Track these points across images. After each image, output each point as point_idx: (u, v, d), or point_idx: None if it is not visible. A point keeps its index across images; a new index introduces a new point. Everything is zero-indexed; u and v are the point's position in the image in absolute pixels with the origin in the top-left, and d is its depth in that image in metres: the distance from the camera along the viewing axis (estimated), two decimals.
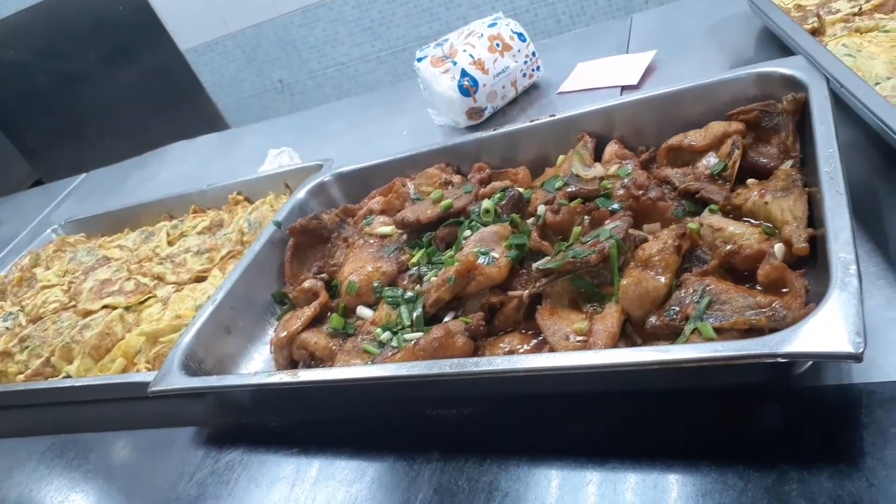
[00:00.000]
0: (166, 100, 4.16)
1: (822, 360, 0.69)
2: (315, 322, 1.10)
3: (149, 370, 1.23)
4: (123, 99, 3.92)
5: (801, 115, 0.94)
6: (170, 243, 1.61)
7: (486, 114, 1.52)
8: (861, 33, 1.15)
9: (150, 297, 1.41)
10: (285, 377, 0.90)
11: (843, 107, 0.92)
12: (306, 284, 1.14)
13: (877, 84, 1.02)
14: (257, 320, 1.19)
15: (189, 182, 2.00)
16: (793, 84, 0.96)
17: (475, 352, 0.91)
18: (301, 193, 1.35)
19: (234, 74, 4.62)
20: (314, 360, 1.05)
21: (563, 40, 1.75)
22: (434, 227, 1.10)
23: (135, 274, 1.48)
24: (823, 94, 0.89)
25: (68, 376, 1.30)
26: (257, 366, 1.13)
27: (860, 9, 1.22)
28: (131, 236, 1.74)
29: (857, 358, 0.59)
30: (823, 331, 0.61)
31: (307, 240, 1.26)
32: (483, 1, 3.80)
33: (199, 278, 1.42)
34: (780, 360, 0.62)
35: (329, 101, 2.88)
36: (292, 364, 1.07)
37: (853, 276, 0.64)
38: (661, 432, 0.76)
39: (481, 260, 0.96)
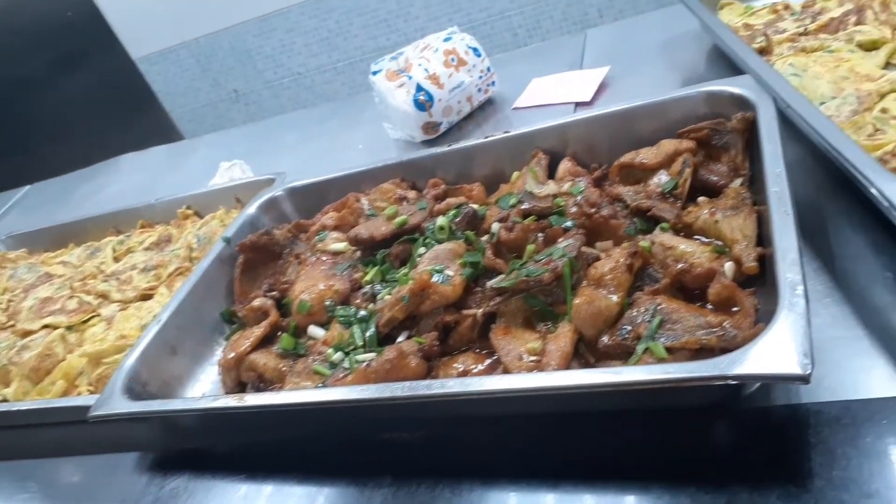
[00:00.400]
0: (117, 109, 4.05)
1: (772, 383, 0.69)
2: (265, 342, 1.07)
3: (91, 393, 1.18)
4: (71, 108, 3.79)
5: (750, 134, 0.95)
6: (116, 259, 1.56)
7: (442, 128, 1.52)
8: (807, 53, 1.18)
9: (93, 316, 1.36)
10: (231, 402, 0.87)
11: (789, 126, 0.93)
12: (256, 303, 1.11)
13: (822, 104, 1.05)
14: (205, 340, 1.16)
15: (138, 195, 1.95)
16: (742, 103, 0.97)
17: (428, 372, 0.90)
18: (252, 208, 1.32)
19: (187, 84, 4.54)
20: (263, 382, 1.02)
21: (519, 55, 1.76)
22: (388, 243, 1.09)
23: (78, 292, 1.43)
24: (771, 113, 0.91)
25: (5, 400, 1.24)
26: (205, 387, 1.09)
27: (805, 29, 1.25)
28: (76, 252, 1.68)
29: (804, 380, 0.59)
30: (772, 353, 0.61)
31: (258, 256, 1.23)
32: (441, 13, 3.81)
33: (146, 296, 1.38)
34: (730, 382, 0.61)
35: (285, 112, 2.85)
36: (240, 386, 1.04)
37: (800, 297, 0.65)
38: (615, 453, 0.75)
39: (436, 278, 0.94)
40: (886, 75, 1.06)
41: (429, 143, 1.52)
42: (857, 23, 1.20)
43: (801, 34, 1.24)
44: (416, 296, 0.93)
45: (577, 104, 1.42)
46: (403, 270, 1.03)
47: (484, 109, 1.58)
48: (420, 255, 1.02)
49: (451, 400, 0.74)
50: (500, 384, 0.72)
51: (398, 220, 1.09)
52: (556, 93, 1.48)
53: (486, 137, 1.20)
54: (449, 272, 0.96)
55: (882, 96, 1.02)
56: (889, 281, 0.79)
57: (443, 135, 1.53)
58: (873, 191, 0.71)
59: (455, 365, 0.90)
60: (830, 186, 0.94)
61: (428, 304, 0.94)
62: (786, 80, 0.95)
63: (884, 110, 0.97)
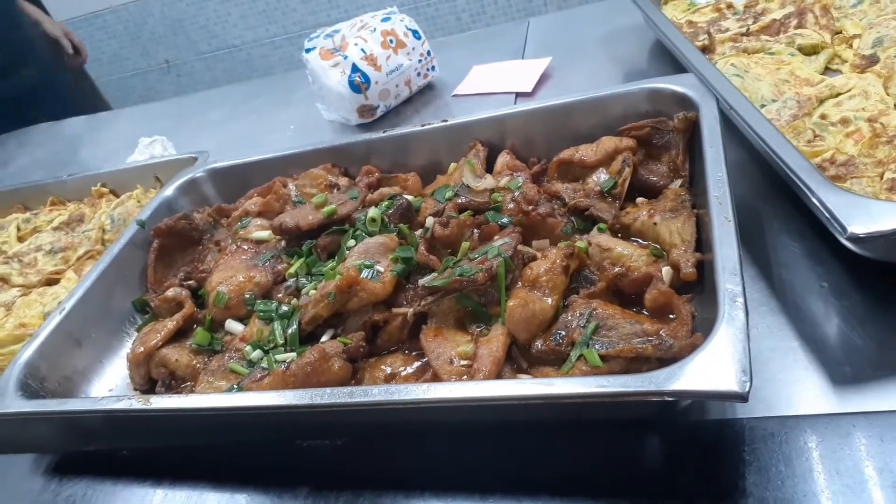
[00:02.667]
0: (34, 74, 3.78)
1: (709, 400, 0.67)
2: (179, 336, 0.99)
3: None
4: None
5: (692, 134, 0.93)
6: (20, 239, 1.44)
7: (379, 112, 1.46)
8: (748, 54, 1.17)
9: None
10: (136, 404, 0.79)
11: (730, 127, 0.91)
12: (170, 293, 1.03)
13: (762, 106, 1.04)
14: (114, 331, 1.07)
15: (50, 169, 1.82)
16: (684, 102, 0.95)
17: (354, 374, 0.84)
18: (169, 190, 1.23)
19: (115, 52, 4.31)
20: (175, 380, 0.94)
21: (460, 40, 1.70)
22: (316, 234, 1.02)
23: None
24: (714, 114, 0.89)
25: None
26: (112, 383, 1.01)
27: (748, 30, 1.24)
28: None
29: (742, 398, 0.57)
30: (709, 369, 0.59)
31: (174, 242, 1.15)
32: None
33: (51, 281, 1.27)
34: (666, 398, 0.59)
35: (219, 86, 2.71)
36: (150, 382, 0.96)
37: (740, 310, 0.62)
38: (544, 466, 0.72)
39: (365, 274, 0.89)
40: (825, 80, 1.06)
41: (364, 127, 1.46)
42: (798, 26, 1.20)
43: (743, 34, 1.23)
44: (342, 292, 0.87)
45: (518, 94, 1.38)
46: (331, 264, 0.97)
47: (423, 94, 1.53)
48: (349, 248, 0.96)
49: (373, 409, 0.69)
50: (425, 394, 0.68)
51: (327, 209, 1.03)
52: (498, 82, 1.44)
53: (424, 125, 1.15)
54: (379, 268, 0.90)
55: (821, 101, 1.02)
56: (824, 291, 0.78)
57: (379, 119, 1.47)
58: (814, 200, 0.70)
59: (383, 367, 0.85)
60: (770, 190, 0.93)
61: (356, 302, 0.88)
62: (729, 81, 0.93)
63: (823, 116, 0.97)
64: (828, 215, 0.67)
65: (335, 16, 3.73)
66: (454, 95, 1.47)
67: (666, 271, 0.80)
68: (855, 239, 0.65)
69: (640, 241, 0.89)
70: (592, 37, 1.52)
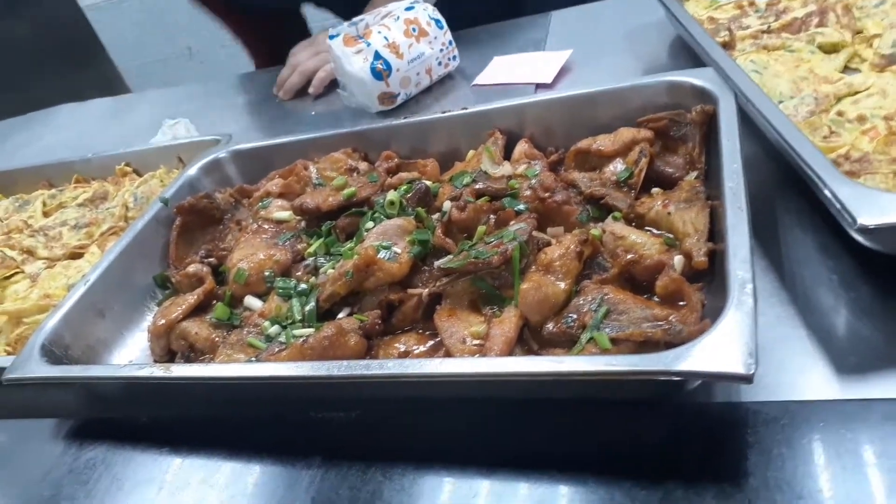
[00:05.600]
0: (60, 57, 3.84)
1: (715, 381, 0.68)
2: (199, 310, 1.02)
3: (8, 354, 1.11)
4: (9, 52, 3.59)
5: (709, 127, 0.94)
6: (45, 214, 1.47)
7: (399, 100, 1.47)
8: (768, 51, 1.18)
9: (16, 273, 1.28)
10: (157, 371, 0.82)
11: (748, 121, 0.92)
12: (191, 269, 1.05)
13: (780, 102, 1.04)
14: (135, 304, 1.10)
15: (75, 149, 1.85)
16: (703, 95, 0.96)
17: (368, 351, 0.86)
18: (193, 170, 1.26)
19: (137, 37, 4.35)
20: (194, 352, 0.97)
21: (482, 32, 1.71)
22: (335, 215, 1.05)
23: (1, 246, 1.34)
24: (731, 108, 0.90)
25: None
26: (132, 354, 1.04)
27: (769, 27, 1.24)
28: (2, 203, 1.58)
29: (748, 379, 0.58)
30: (717, 351, 0.60)
31: (196, 220, 1.18)
32: None
33: (75, 255, 1.30)
34: (673, 378, 0.60)
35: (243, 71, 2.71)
36: (170, 354, 0.99)
37: (749, 296, 0.64)
38: (551, 443, 0.73)
39: (382, 254, 0.91)
40: (844, 79, 1.06)
41: (385, 114, 1.48)
42: (819, 24, 1.20)
43: (763, 31, 1.23)
44: (360, 271, 0.89)
45: (538, 86, 1.39)
46: (349, 244, 0.99)
47: (443, 84, 1.54)
48: (367, 230, 0.98)
49: (387, 382, 0.71)
50: (438, 368, 0.70)
51: (347, 191, 1.05)
52: (518, 72, 1.45)
53: (443, 113, 1.17)
54: (396, 249, 0.93)
55: (839, 99, 1.02)
56: (834, 283, 0.79)
57: (400, 106, 1.48)
58: (826, 192, 0.71)
59: (397, 345, 0.87)
60: (784, 185, 0.93)
61: (372, 281, 0.90)
62: (747, 76, 0.93)
63: (840, 113, 0.97)
64: (839, 206, 0.68)
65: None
66: (474, 85, 1.49)
67: (678, 260, 0.81)
68: (864, 230, 0.66)
69: (654, 230, 0.90)
70: (614, 31, 1.52)
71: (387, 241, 0.93)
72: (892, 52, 1.08)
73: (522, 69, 1.46)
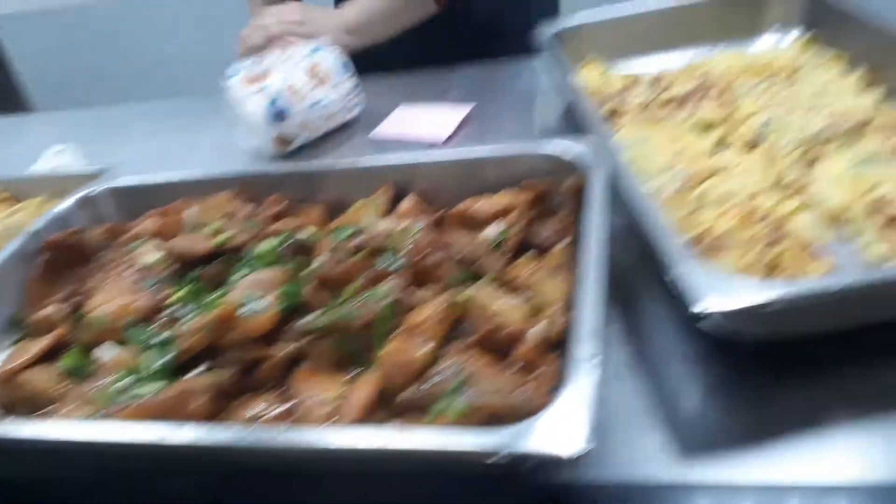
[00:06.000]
0: None
1: (546, 463, 0.68)
2: (51, 356, 0.96)
3: None
4: None
5: (581, 198, 0.96)
6: None
7: (296, 144, 1.46)
8: (651, 124, 1.23)
9: None
10: None
11: (620, 193, 0.95)
12: (45, 311, 0.99)
13: (655, 176, 1.08)
14: None
15: None
16: (577, 166, 0.98)
17: (220, 411, 0.83)
18: (66, 204, 1.20)
19: (45, 54, 4.17)
20: (39, 402, 0.91)
21: (389, 80, 1.73)
22: (205, 262, 1.01)
23: None
24: (603, 180, 0.92)
25: None
26: None
27: (653, 101, 1.30)
28: None
29: (580, 462, 0.58)
30: (551, 430, 0.60)
31: (64, 257, 1.11)
32: None
33: None
34: (501, 460, 0.60)
35: (153, 98, 2.62)
36: (12, 404, 0.92)
37: (592, 372, 0.65)
38: None
39: (246, 308, 0.88)
40: (715, 156, 1.12)
41: (280, 157, 1.45)
42: (700, 101, 1.27)
43: (648, 105, 1.29)
44: (220, 325, 0.86)
45: (436, 140, 1.41)
46: (215, 294, 0.96)
47: (345, 130, 1.54)
48: (236, 280, 0.95)
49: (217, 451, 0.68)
50: (268, 441, 0.68)
51: (221, 237, 1.02)
52: (418, 125, 1.47)
53: (335, 162, 1.16)
54: (262, 303, 0.90)
55: (708, 177, 1.07)
56: (685, 360, 0.82)
57: (296, 151, 1.47)
58: (671, 273, 0.73)
59: (252, 405, 0.83)
60: (648, 260, 0.96)
61: (233, 336, 0.87)
62: (621, 150, 0.97)
63: (705, 191, 1.02)
64: (680, 289, 0.71)
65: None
66: (374, 135, 1.49)
67: (539, 328, 0.82)
68: (699, 316, 0.68)
69: (521, 296, 0.91)
70: (517, 90, 1.56)
71: (254, 294, 0.91)
72: (759, 134, 1.14)
73: (423, 121, 1.47)
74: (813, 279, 0.80)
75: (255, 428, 0.70)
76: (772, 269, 0.87)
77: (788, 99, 1.20)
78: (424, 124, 1.45)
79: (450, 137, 1.40)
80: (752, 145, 1.12)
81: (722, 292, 0.69)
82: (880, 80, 1.20)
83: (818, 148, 1.07)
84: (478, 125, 1.45)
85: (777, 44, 1.44)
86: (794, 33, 1.43)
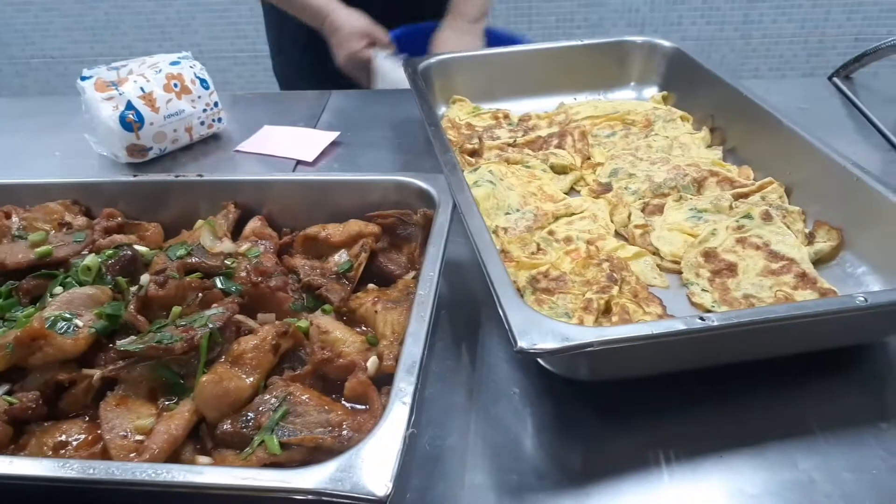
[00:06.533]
0: None
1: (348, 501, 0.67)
2: None
3: None
4: None
5: (429, 231, 0.96)
6: None
7: (151, 154, 1.38)
8: (509, 164, 1.25)
9: None
10: None
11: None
12: None
13: (507, 214, 1.10)
14: None
15: None
16: (428, 200, 0.99)
17: (16, 438, 0.76)
18: None
19: None
20: None
21: (259, 99, 1.68)
22: (23, 275, 0.93)
23: None
24: (446, 216, 0.93)
25: None
26: None
27: (515, 141, 1.33)
28: None
29: (382, 502, 0.57)
30: (356, 468, 0.58)
31: None
32: (223, 34, 3.65)
33: None
34: (308, 496, 0.57)
35: (29, 95, 2.41)
36: None
37: (404, 409, 0.64)
38: None
39: (59, 326, 0.81)
40: (566, 199, 1.15)
41: (135, 166, 1.38)
42: (558, 146, 1.31)
43: (510, 144, 1.32)
44: (24, 345, 0.79)
45: (299, 162, 1.38)
46: (29, 310, 0.88)
47: (206, 144, 1.48)
48: (54, 296, 0.88)
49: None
50: (34, 470, 0.62)
51: (42, 249, 0.94)
52: (284, 145, 1.43)
53: (177, 176, 1.10)
54: (78, 322, 0.83)
55: (557, 218, 1.10)
56: (515, 397, 0.82)
57: (152, 161, 1.39)
58: (500, 310, 0.74)
59: (56, 434, 0.76)
60: (489, 297, 0.97)
61: (40, 357, 0.80)
62: (467, 186, 0.97)
63: (551, 232, 1.05)
64: (507, 327, 0.71)
65: (167, 47, 3.58)
66: (237, 151, 1.44)
67: (372, 361, 0.80)
68: (521, 352, 0.68)
69: (361, 327, 0.89)
70: (385, 120, 1.56)
71: (70, 312, 0.84)
72: (608, 182, 1.19)
73: (289, 142, 1.44)
74: (637, 324, 0.83)
75: (54, 458, 0.64)
76: (606, 311, 0.89)
77: (639, 150, 1.26)
78: (291, 144, 1.42)
79: (316, 159, 1.37)
80: (601, 191, 1.17)
81: (544, 332, 0.70)
82: (724, 137, 1.29)
83: (660, 198, 1.13)
84: (343, 152, 1.43)
85: (637, 98, 1.52)
86: (652, 89, 1.52)
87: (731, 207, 1.08)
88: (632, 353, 0.71)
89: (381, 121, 1.53)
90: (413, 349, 0.70)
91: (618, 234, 1.07)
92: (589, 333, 0.68)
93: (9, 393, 0.79)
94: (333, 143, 1.43)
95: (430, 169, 1.08)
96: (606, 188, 1.17)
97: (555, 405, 0.82)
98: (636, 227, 1.06)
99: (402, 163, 1.36)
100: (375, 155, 1.39)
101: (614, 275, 0.94)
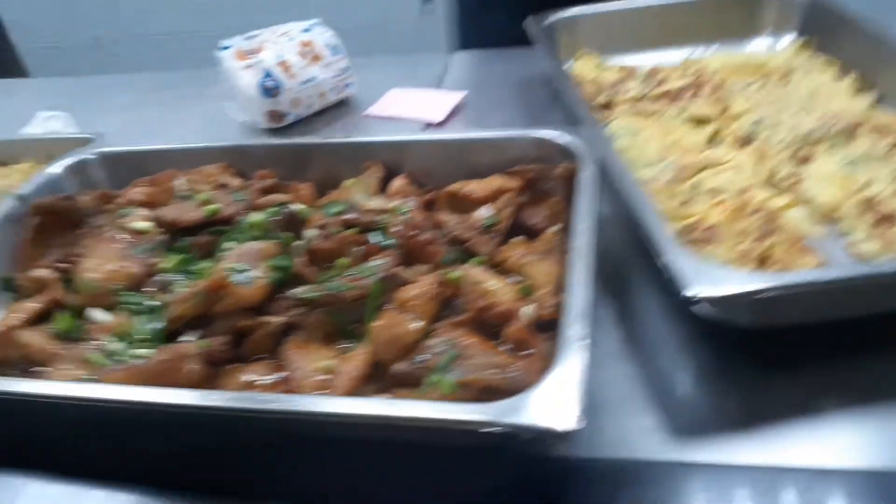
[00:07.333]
0: None
1: (538, 436, 0.70)
2: (43, 319, 0.95)
3: None
4: None
5: (572, 184, 0.97)
6: None
7: (288, 120, 1.45)
8: (643, 117, 1.24)
9: None
10: None
11: (611, 181, 0.96)
12: (36, 273, 0.99)
13: (647, 166, 1.10)
14: None
15: None
16: (569, 154, 0.99)
17: (211, 379, 0.83)
18: (57, 168, 1.19)
19: (42, 20, 4.10)
20: (31, 363, 0.90)
21: (383, 63, 1.72)
22: (196, 231, 1.01)
23: None
24: (592, 169, 0.93)
25: None
26: None
27: (647, 94, 1.31)
28: None
29: (571, 437, 0.60)
30: (542, 406, 0.61)
31: (55, 221, 1.10)
32: (337, 5, 3.72)
33: None
34: (495, 429, 0.61)
35: (147, 70, 2.58)
36: (5, 365, 0.92)
37: (581, 352, 0.66)
38: (379, 486, 0.72)
39: (237, 278, 0.88)
40: (707, 151, 1.13)
41: (271, 132, 1.45)
42: (693, 97, 1.28)
43: (642, 98, 1.30)
44: (211, 294, 0.86)
45: (428, 124, 1.41)
46: (205, 263, 0.96)
47: (337, 109, 1.54)
48: (226, 250, 0.95)
49: (209, 414, 0.69)
50: (262, 404, 0.68)
51: (210, 207, 1.02)
52: (411, 108, 1.47)
53: (326, 139, 1.16)
54: (253, 273, 0.90)
55: (699, 170, 1.09)
56: (675, 345, 0.83)
57: (288, 126, 1.46)
58: (661, 260, 0.74)
59: (243, 375, 0.84)
60: (637, 247, 0.98)
61: (223, 305, 0.87)
62: (611, 140, 0.98)
63: (697, 184, 1.03)
64: (672, 275, 0.72)
65: (276, 20, 3.69)
66: (366, 115, 1.49)
67: (529, 309, 0.83)
68: (691, 300, 0.69)
69: (512, 278, 0.92)
70: (510, 78, 1.57)
71: (244, 265, 0.91)
72: (751, 132, 1.16)
73: (416, 105, 1.47)
74: (803, 272, 0.81)
75: (251, 394, 0.70)
76: (762, 262, 0.88)
77: (780, 99, 1.22)
78: (419, 106, 1.45)
79: (444, 120, 1.40)
80: (744, 142, 1.14)
81: (712, 279, 0.71)
82: (872, 84, 1.23)
83: (809, 147, 1.09)
84: (470, 112, 1.46)
85: (771, 47, 1.46)
86: (789, 37, 1.45)
87: (887, 156, 1.03)
88: (807, 298, 0.71)
89: (505, 79, 1.54)
90: (580, 296, 0.72)
91: (767, 185, 1.05)
92: (768, 279, 0.68)
93: (199, 338, 0.87)
94: (462, 104, 1.45)
95: (560, 123, 1.09)
96: (750, 138, 1.14)
97: (712, 354, 0.82)
98: (785, 176, 1.04)
99: (530, 120, 1.37)
100: (503, 113, 1.41)
101: (767, 226, 0.93)
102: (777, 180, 1.05)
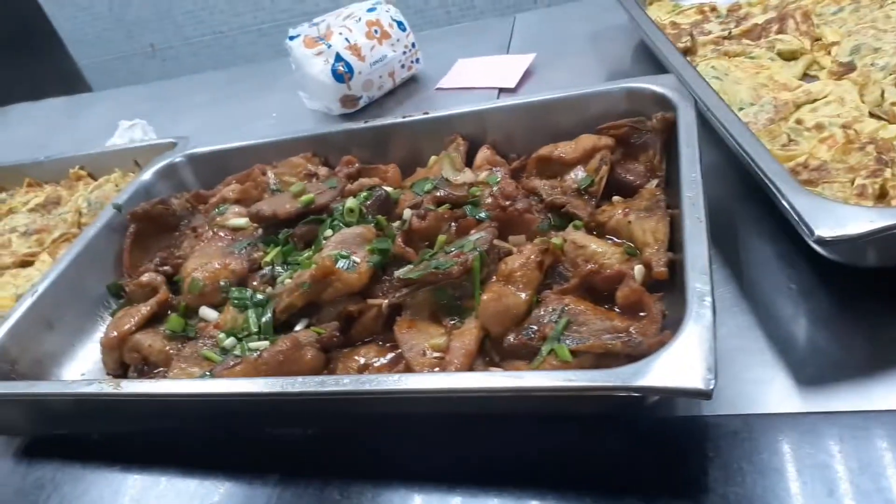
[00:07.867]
0: (14, 51, 3.71)
1: (674, 397, 0.68)
2: (153, 321, 0.99)
3: None
4: None
5: (669, 135, 0.94)
6: None
7: (361, 103, 1.45)
8: (729, 57, 1.18)
9: None
10: (106, 387, 0.79)
11: (708, 129, 0.92)
12: (144, 278, 1.02)
13: (740, 109, 1.05)
14: (88, 315, 1.06)
15: (27, 150, 1.79)
16: (663, 103, 0.96)
17: (327, 364, 0.85)
18: (147, 174, 1.23)
19: (98, 33, 4.23)
20: (147, 365, 0.94)
21: (447, 33, 1.70)
22: (293, 223, 1.02)
23: None
24: (691, 115, 0.90)
25: None
26: (84, 367, 1.00)
27: (730, 33, 1.25)
28: None
29: (707, 395, 0.58)
30: (676, 366, 0.59)
31: (151, 227, 1.14)
32: None
33: (25, 263, 1.26)
34: (632, 393, 0.59)
35: (204, 71, 2.64)
36: (123, 367, 0.96)
37: (708, 309, 0.63)
38: (511, 458, 0.72)
39: (340, 264, 0.89)
40: (803, 86, 1.07)
41: (346, 117, 1.45)
42: (779, 31, 1.22)
43: (725, 37, 1.24)
44: (317, 282, 0.87)
45: (501, 90, 1.38)
46: (307, 253, 0.97)
47: (407, 86, 1.53)
48: (326, 238, 0.96)
49: (342, 399, 0.69)
50: (395, 384, 0.68)
51: (305, 198, 1.03)
52: (482, 76, 1.44)
53: (405, 117, 1.15)
54: (356, 258, 0.91)
55: (798, 107, 1.03)
56: (793, 293, 0.80)
57: (362, 110, 1.46)
58: (784, 203, 0.71)
59: (356, 357, 0.85)
60: (744, 194, 0.94)
61: (330, 292, 0.88)
62: (708, 83, 0.93)
63: (798, 121, 0.98)
64: (797, 218, 0.69)
65: (324, 6, 3.70)
66: (437, 88, 1.47)
67: (638, 269, 0.81)
68: (822, 242, 0.66)
69: (615, 239, 0.89)
70: (578, 34, 1.52)
71: (345, 251, 0.91)
72: (849, 60, 1.09)
73: (486, 72, 1.45)
74: None
75: (383, 376, 0.71)
76: (880, 197, 0.83)
77: (878, 21, 1.13)
78: (489, 74, 1.43)
79: (517, 85, 1.37)
80: (843, 72, 1.07)
81: (838, 219, 0.67)
82: None
83: None
84: (542, 73, 1.42)
85: None
86: None
87: None
88: None
89: (574, 35, 1.50)
90: (698, 250, 0.70)
91: (872, 115, 0.99)
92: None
93: (308, 326, 0.89)
94: (533, 66, 1.42)
95: (640, 74, 1.05)
96: (849, 67, 1.07)
97: (835, 297, 0.78)
98: (894, 104, 0.97)
99: (609, 73, 1.33)
100: (578, 70, 1.37)
101: (883, 157, 0.87)
102: (885, 108, 0.98)
